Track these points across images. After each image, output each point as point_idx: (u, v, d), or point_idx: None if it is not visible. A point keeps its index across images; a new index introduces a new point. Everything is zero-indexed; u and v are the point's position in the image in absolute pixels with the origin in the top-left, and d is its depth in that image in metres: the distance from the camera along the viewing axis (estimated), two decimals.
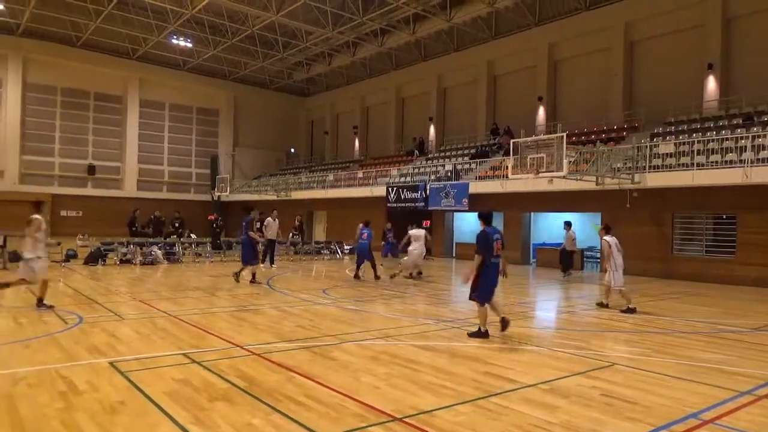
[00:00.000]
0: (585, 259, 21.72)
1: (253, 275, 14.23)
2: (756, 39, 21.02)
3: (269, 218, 19.02)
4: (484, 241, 8.01)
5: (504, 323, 8.00)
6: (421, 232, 16.33)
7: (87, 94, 38.15)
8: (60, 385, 5.39)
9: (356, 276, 15.71)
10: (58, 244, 15.43)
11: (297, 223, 25.53)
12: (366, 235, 15.79)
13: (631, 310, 10.80)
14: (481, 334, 8.06)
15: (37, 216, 9.50)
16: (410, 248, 16.04)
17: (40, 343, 7.19)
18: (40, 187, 35.75)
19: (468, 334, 8.24)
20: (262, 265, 18.77)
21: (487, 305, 8.07)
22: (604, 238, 11.38)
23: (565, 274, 18.15)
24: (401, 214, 26.17)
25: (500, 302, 8.67)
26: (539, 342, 8.05)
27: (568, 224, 18.48)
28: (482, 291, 8.01)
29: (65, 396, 5.06)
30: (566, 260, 18.38)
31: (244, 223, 14.25)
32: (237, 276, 14.12)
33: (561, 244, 22.50)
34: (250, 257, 13.98)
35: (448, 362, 6.63)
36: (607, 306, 11.39)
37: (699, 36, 22.42)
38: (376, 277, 15.62)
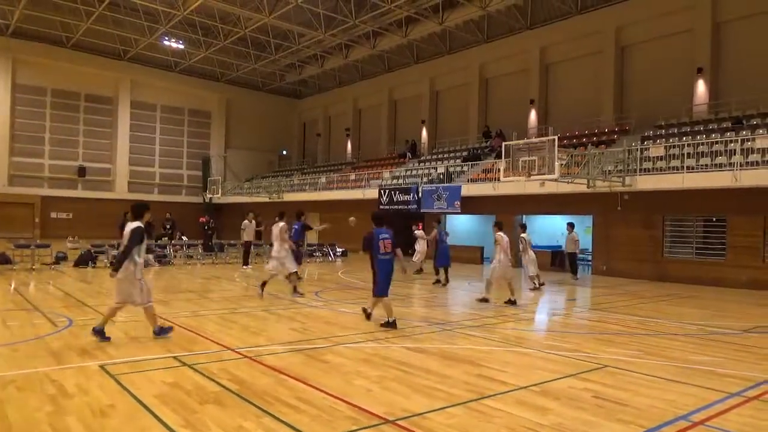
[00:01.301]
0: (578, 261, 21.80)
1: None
2: (745, 43, 21.23)
3: (246, 220, 18.99)
4: (369, 240, 8.99)
5: (366, 313, 9.45)
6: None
7: (77, 96, 37.89)
8: (49, 388, 5.34)
9: (440, 281, 15.91)
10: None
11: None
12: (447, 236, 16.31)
13: (512, 302, 11.86)
14: (390, 324, 8.77)
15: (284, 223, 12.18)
16: (417, 247, 18.44)
17: (30, 346, 7.13)
18: (29, 189, 35.51)
19: (380, 324, 8.93)
20: (245, 267, 18.70)
21: (386, 298, 8.96)
22: (499, 233, 12.09)
23: (573, 277, 18.36)
24: (394, 216, 26.16)
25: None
26: (531, 344, 8.07)
27: (570, 225, 18.61)
28: (381, 285, 8.91)
29: (55, 399, 5.02)
30: (573, 262, 18.69)
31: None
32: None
33: (558, 246, 22.65)
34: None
35: (440, 365, 6.63)
36: (487, 300, 12.05)
37: (689, 40, 22.61)
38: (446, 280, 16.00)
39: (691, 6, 22.36)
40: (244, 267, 18.88)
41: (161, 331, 7.65)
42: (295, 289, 12.43)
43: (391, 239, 8.98)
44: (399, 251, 9.13)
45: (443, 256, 16.16)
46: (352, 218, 12.19)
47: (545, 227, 25.36)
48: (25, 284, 13.72)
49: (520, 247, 15.10)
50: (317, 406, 4.99)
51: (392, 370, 6.32)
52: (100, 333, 7.32)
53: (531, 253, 14.90)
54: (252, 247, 19.86)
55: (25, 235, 30.98)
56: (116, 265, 7.31)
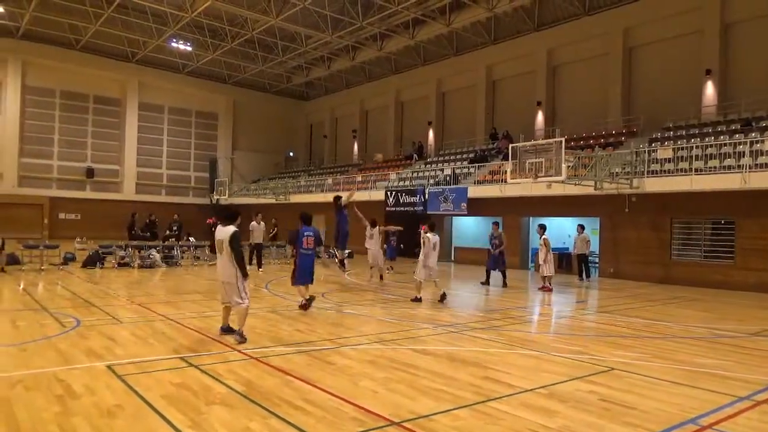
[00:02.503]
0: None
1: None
2: (754, 45, 21.10)
3: (254, 222, 18.68)
4: (294, 236, 10.47)
5: (305, 305, 10.55)
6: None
7: (86, 97, 38.11)
8: (57, 388, 5.38)
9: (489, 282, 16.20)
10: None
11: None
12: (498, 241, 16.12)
13: (443, 297, 12.31)
14: (305, 305, 10.45)
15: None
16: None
17: (38, 346, 7.17)
18: (38, 190, 35.74)
19: (298, 305, 10.53)
20: (259, 271, 18.75)
21: (302, 287, 10.51)
22: (427, 234, 12.33)
23: (580, 278, 18.40)
24: (400, 218, 26.16)
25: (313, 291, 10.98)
26: (538, 347, 8.04)
27: (581, 227, 18.59)
28: (299, 276, 10.42)
29: (62, 400, 5.05)
30: (585, 263, 18.72)
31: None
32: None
33: (565, 249, 22.59)
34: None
35: (447, 367, 6.62)
36: (420, 300, 12.28)
37: (697, 42, 22.49)
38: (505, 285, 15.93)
39: (699, 7, 22.24)
40: (259, 270, 18.63)
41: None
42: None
43: (315, 237, 10.43)
44: (321, 249, 10.58)
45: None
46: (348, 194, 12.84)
47: (552, 229, 25.20)
48: (33, 285, 13.81)
49: (542, 250, 15.41)
50: (323, 408, 4.99)
51: (398, 371, 6.32)
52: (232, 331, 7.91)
53: (550, 254, 15.34)
54: (262, 248, 19.79)
55: (34, 236, 31.16)
56: (244, 271, 7.59)
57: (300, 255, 10.35)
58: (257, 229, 18.72)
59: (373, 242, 16.74)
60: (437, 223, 25.77)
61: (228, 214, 7.85)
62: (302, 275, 10.46)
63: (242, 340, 7.57)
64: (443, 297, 12.33)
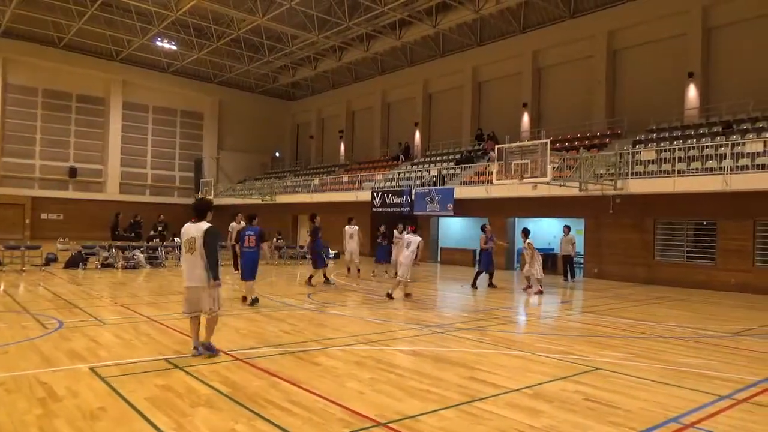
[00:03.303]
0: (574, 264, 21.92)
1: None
2: (736, 48, 21.43)
3: (233, 223, 18.30)
4: (238, 234, 11.51)
5: (248, 300, 11.25)
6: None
7: (69, 96, 37.64)
8: (39, 391, 5.30)
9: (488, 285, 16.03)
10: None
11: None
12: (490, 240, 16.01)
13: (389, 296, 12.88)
14: (252, 302, 11.13)
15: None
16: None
17: (19, 348, 7.07)
18: (20, 190, 35.22)
19: (247, 304, 11.11)
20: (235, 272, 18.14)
21: (250, 282, 11.25)
22: (408, 235, 13.43)
23: (565, 279, 18.49)
24: (386, 218, 26.18)
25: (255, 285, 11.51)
26: (523, 347, 8.09)
27: (567, 228, 18.71)
28: (245, 272, 11.27)
29: (44, 402, 4.98)
30: (570, 264, 18.80)
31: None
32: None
33: (550, 249, 22.72)
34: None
35: (433, 367, 6.64)
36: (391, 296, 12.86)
37: (680, 45, 22.78)
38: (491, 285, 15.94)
39: (682, 11, 22.53)
40: (236, 271, 18.29)
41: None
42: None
43: (255, 236, 11.19)
44: (265, 245, 11.49)
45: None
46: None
47: (537, 230, 25.42)
48: (14, 286, 13.60)
49: (527, 253, 15.27)
50: (309, 409, 4.98)
51: (384, 372, 6.32)
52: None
53: (538, 256, 15.28)
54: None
55: (15, 236, 30.73)
56: (216, 273, 6.62)
57: (243, 253, 11.28)
58: (237, 229, 17.82)
59: (354, 241, 17.71)
60: (422, 224, 25.95)
61: (200, 207, 6.88)
62: (243, 272, 11.29)
63: (213, 353, 6.78)
64: (389, 295, 12.89)
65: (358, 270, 17.89)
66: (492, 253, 16.03)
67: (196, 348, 6.82)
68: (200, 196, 37.51)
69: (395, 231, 17.51)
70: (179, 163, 42.41)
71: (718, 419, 5.03)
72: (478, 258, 16.51)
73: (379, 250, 19.71)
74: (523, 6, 27.51)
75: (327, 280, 15.38)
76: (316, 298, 12.78)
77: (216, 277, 6.59)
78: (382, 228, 19.74)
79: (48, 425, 4.44)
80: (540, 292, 14.82)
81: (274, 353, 7.17)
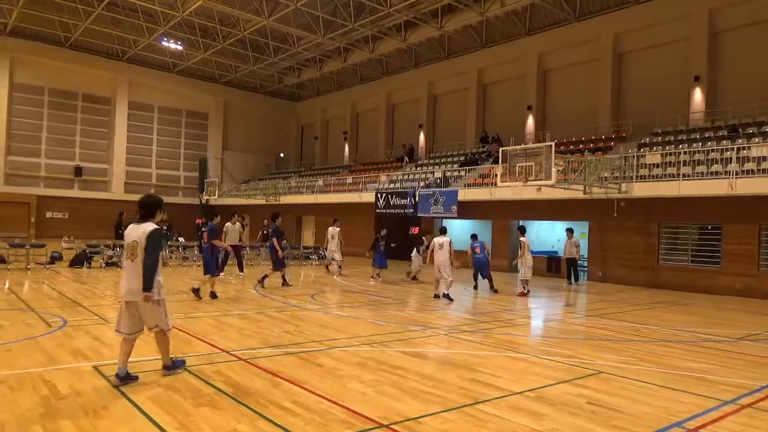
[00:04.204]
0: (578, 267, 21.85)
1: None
2: (741, 52, 21.35)
3: (228, 223, 17.52)
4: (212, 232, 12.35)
5: (195, 292, 11.92)
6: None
7: (75, 95, 37.80)
8: (42, 389, 5.32)
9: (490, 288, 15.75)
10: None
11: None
12: (479, 248, 15.75)
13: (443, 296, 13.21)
14: (211, 295, 11.70)
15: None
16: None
17: (23, 346, 7.09)
18: (25, 189, 35.37)
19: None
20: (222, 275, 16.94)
21: (216, 277, 12.01)
22: (438, 237, 13.86)
23: (569, 282, 18.40)
24: (390, 220, 26.20)
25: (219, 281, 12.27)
26: (526, 349, 8.07)
27: (570, 231, 18.66)
28: (209, 266, 11.83)
29: (47, 400, 4.99)
30: (573, 267, 18.68)
31: (205, 230, 13.17)
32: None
33: (553, 252, 22.65)
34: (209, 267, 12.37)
35: (436, 369, 6.63)
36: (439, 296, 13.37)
37: (686, 49, 22.72)
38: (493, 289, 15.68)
39: (688, 15, 22.47)
40: (240, 273, 18.01)
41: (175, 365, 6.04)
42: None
43: (208, 232, 12.15)
44: (218, 242, 12.34)
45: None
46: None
47: (541, 233, 25.43)
48: (19, 284, 13.66)
49: (519, 251, 15.09)
50: (312, 410, 4.98)
51: (387, 374, 6.32)
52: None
53: (529, 257, 14.88)
54: (241, 250, 18.82)
55: (20, 235, 30.86)
56: (149, 284, 5.52)
57: (205, 250, 12.06)
58: (232, 230, 17.54)
59: (334, 242, 18.75)
60: (426, 226, 25.94)
61: (147, 204, 5.80)
62: (211, 266, 11.90)
63: (178, 368, 5.96)
64: (436, 296, 13.47)
65: (339, 268, 18.95)
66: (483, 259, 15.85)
67: (120, 376, 5.55)
68: (205, 197, 37.59)
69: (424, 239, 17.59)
70: (184, 163, 42.51)
71: (722, 424, 5.01)
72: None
73: (378, 255, 17.88)
74: (529, 9, 27.47)
75: (285, 282, 14.89)
76: (320, 299, 12.78)
77: (148, 288, 5.45)
78: (383, 231, 18.31)
79: (51, 424, 4.45)
80: (523, 294, 14.58)
81: (277, 354, 7.17)
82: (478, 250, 15.77)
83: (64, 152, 37.45)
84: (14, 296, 11.50)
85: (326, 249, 19.63)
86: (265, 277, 14.79)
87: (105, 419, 4.59)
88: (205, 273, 12.15)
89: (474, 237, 16.20)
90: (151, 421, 4.56)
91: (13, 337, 7.60)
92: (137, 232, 5.62)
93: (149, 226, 5.62)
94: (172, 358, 6.00)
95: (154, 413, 4.74)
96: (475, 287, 16.13)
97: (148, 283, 5.46)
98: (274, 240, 14.57)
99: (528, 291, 14.95)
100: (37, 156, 36.56)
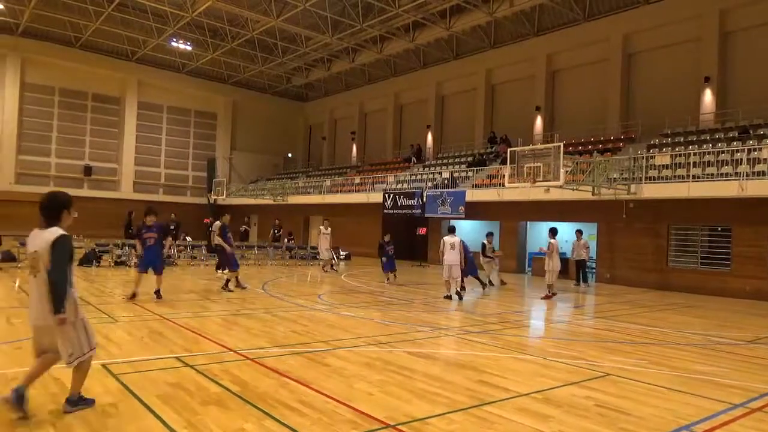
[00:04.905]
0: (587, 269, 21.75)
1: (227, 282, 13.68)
2: (752, 53, 21.19)
3: (217, 221, 16.64)
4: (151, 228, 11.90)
5: (225, 285, 12.76)
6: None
7: (85, 95, 38.09)
8: (52, 387, 5.36)
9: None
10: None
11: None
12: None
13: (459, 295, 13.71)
14: (133, 296, 11.26)
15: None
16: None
17: None
18: (36, 188, 35.56)
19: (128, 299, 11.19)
20: (219, 272, 16.98)
21: (142, 274, 11.43)
22: (444, 238, 13.94)
23: (577, 283, 18.29)
24: (396, 221, 26.23)
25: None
26: (534, 351, 8.05)
27: (579, 232, 18.59)
28: (141, 263, 11.63)
29: (57, 398, 5.02)
30: (583, 269, 18.58)
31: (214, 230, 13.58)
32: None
33: (562, 254, 22.53)
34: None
35: (443, 370, 6.62)
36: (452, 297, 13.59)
37: (696, 49, 22.57)
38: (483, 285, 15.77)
39: (698, 15, 22.33)
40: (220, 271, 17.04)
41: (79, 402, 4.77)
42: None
43: (156, 232, 11.72)
44: (168, 240, 12.48)
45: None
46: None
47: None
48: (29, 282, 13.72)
49: (546, 251, 14.55)
50: (319, 410, 4.99)
51: (394, 374, 6.31)
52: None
53: (556, 260, 14.40)
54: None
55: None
56: (59, 305, 4.46)
57: (146, 249, 11.72)
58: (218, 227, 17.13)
59: (324, 239, 20.33)
60: (433, 226, 25.91)
61: (50, 206, 4.69)
62: (141, 264, 11.71)
63: (83, 406, 4.74)
64: (457, 293, 13.60)
65: (332, 266, 20.88)
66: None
67: (70, 402, 4.69)
68: (214, 197, 37.63)
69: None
70: (192, 163, 42.71)
71: (731, 428, 4.97)
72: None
73: (388, 260, 17.09)
74: (538, 9, 27.41)
75: (226, 285, 13.56)
76: (327, 299, 12.80)
77: (57, 310, 4.43)
78: (387, 237, 17.26)
79: (60, 421, 4.49)
80: (547, 297, 14.45)
81: (284, 353, 7.19)
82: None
83: (74, 152, 37.73)
84: (24, 295, 11.58)
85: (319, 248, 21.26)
86: (228, 281, 13.64)
87: (114, 417, 4.62)
88: (231, 269, 13.62)
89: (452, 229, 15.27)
90: (159, 420, 4.58)
91: (24, 334, 7.64)
92: (38, 241, 4.58)
93: (53, 233, 4.54)
94: (81, 394, 4.79)
95: (162, 412, 4.76)
96: (487, 284, 16.03)
97: (57, 304, 4.42)
98: (220, 239, 13.70)
99: (553, 293, 14.55)
100: (48, 155, 36.86)
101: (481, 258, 17.08)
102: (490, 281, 16.66)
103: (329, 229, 20.98)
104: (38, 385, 5.37)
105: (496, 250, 17.81)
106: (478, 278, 15.98)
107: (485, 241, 17.50)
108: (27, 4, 29.92)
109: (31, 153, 36.12)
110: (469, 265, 15.26)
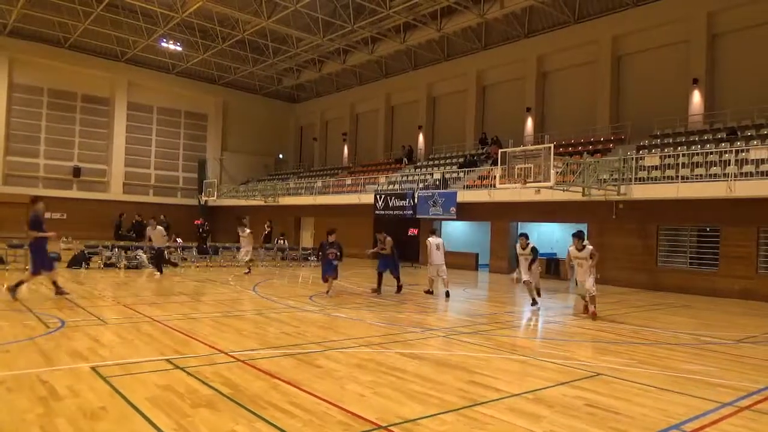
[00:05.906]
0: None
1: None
2: (740, 55, 21.40)
3: (156, 223, 16.92)
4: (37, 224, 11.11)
5: (60, 291, 11.32)
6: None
7: (74, 96, 37.74)
8: (40, 390, 5.30)
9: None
10: None
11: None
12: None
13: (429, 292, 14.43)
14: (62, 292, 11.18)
15: None
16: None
17: (21, 347, 7.08)
18: (24, 189, 35.24)
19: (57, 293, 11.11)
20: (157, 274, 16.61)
21: (53, 272, 11.21)
22: (429, 239, 14.66)
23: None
24: (388, 221, 26.22)
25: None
26: (525, 351, 8.07)
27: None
28: (36, 266, 10.94)
29: (45, 401, 4.98)
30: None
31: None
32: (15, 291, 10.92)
33: (552, 254, 22.60)
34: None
35: (434, 371, 6.62)
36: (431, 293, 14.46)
37: (685, 51, 22.76)
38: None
39: (687, 18, 22.52)
40: (160, 273, 16.73)
41: None
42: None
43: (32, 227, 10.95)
44: (52, 234, 11.60)
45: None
46: None
47: (540, 235, 25.41)
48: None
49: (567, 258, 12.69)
50: (310, 411, 4.97)
51: (385, 375, 6.31)
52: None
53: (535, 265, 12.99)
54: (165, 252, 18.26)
55: (19, 235, 30.69)
56: None
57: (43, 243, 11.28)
58: (153, 233, 16.67)
59: (247, 241, 18.95)
60: (424, 227, 25.91)
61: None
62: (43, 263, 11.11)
63: None
64: (446, 294, 14.01)
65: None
66: (389, 257, 14.63)
67: None
68: (204, 198, 37.51)
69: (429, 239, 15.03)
70: (183, 164, 42.45)
71: (721, 426, 5.01)
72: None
73: (385, 261, 15.07)
74: (528, 11, 27.54)
75: (48, 287, 11.99)
76: (319, 301, 12.78)
77: None
78: (332, 237, 14.32)
79: (49, 424, 4.44)
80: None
81: (276, 355, 7.16)
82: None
83: (63, 153, 37.36)
84: (12, 300, 11.46)
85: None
86: (21, 283, 11.19)
87: (103, 420, 4.58)
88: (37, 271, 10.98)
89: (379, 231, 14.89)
90: (149, 422, 4.55)
91: (12, 337, 7.58)
92: None
93: None
94: None
95: (152, 414, 4.73)
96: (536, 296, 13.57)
97: None
98: (34, 232, 10.98)
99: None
100: (36, 156, 36.47)
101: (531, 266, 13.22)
102: (538, 291, 13.38)
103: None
104: (26, 389, 5.33)
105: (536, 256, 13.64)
106: None
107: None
108: (15, 3, 29.65)
109: (19, 154, 35.74)
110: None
